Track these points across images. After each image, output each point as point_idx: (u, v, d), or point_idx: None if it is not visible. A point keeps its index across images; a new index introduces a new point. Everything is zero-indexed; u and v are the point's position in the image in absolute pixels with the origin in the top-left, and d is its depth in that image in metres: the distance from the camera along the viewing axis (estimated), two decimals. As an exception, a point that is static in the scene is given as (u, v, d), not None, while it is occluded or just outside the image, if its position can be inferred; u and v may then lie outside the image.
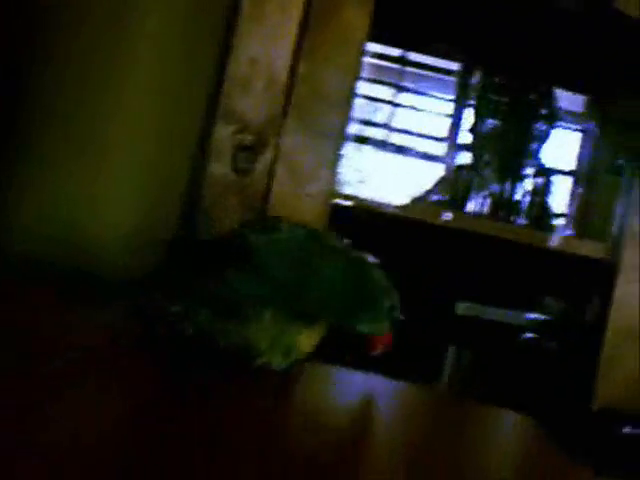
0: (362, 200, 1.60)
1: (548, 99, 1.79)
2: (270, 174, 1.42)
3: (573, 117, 1.95)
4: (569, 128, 1.96)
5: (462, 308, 1.75)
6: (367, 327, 0.80)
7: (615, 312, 1.52)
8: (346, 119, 1.46)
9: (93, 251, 1.03)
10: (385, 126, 1.98)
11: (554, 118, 1.81)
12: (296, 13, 1.41)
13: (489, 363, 1.77)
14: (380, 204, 1.68)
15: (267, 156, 1.42)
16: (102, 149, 1.13)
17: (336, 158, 1.46)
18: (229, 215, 1.41)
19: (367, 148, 1.97)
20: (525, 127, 1.73)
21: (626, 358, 1.52)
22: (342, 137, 1.47)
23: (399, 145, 1.98)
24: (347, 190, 1.83)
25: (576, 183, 1.90)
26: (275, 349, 0.70)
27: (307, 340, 0.71)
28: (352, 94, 1.45)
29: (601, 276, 1.64)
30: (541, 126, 1.77)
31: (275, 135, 1.42)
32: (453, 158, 1.86)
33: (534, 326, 1.76)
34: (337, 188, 1.52)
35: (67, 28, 1.05)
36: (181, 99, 1.39)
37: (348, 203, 1.55)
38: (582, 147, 1.93)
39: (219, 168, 1.41)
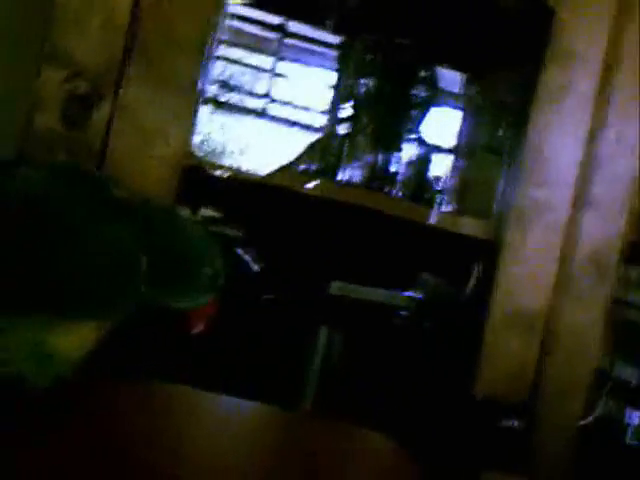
0: (223, 166, 1.40)
1: (428, 66, 1.65)
2: (107, 129, 1.19)
3: (453, 95, 1.84)
4: (449, 106, 1.85)
5: (335, 287, 1.60)
6: (183, 303, 0.60)
7: (498, 295, 1.39)
8: (199, 72, 1.25)
9: None
10: (265, 96, 1.83)
11: (434, 86, 1.67)
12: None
13: (363, 345, 1.63)
14: (244, 172, 1.49)
15: (104, 108, 1.19)
16: None
17: (189, 116, 1.25)
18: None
19: (246, 118, 1.84)
20: (403, 91, 1.57)
21: (510, 344, 1.40)
22: (195, 92, 1.26)
23: (278, 116, 1.82)
24: (225, 160, 1.71)
25: (456, 159, 1.77)
26: (30, 360, 0.48)
27: (70, 344, 0.50)
28: (208, 43, 1.24)
29: (483, 256, 1.52)
30: (420, 93, 1.62)
31: (114, 84, 1.19)
32: (332, 128, 1.69)
33: (410, 305, 1.63)
34: (191, 150, 1.31)
35: None
36: (9, 40, 1.16)
37: (205, 169, 1.34)
38: (462, 125, 1.81)
39: (45, 120, 1.17)
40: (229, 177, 1.45)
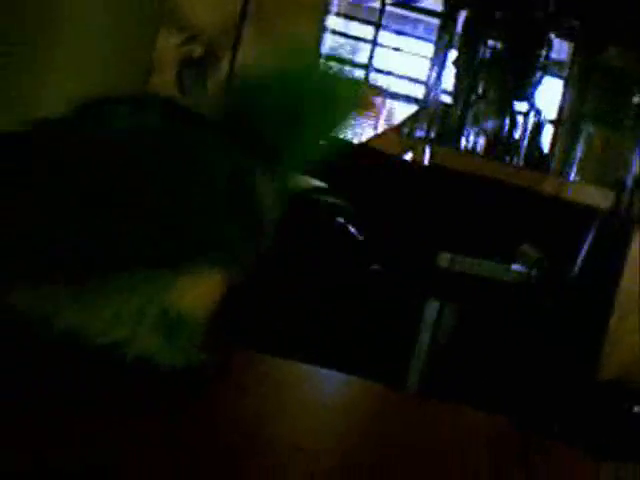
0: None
1: (553, 23, 1.56)
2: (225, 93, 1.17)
3: (558, 65, 1.75)
4: (557, 76, 1.75)
5: (444, 259, 1.55)
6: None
7: (627, 273, 1.30)
8: (319, 31, 1.20)
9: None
10: (366, 66, 1.79)
11: (549, 53, 1.59)
12: None
13: (474, 320, 1.58)
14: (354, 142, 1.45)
15: (221, 73, 1.17)
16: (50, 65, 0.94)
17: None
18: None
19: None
20: (531, 52, 1.48)
21: (635, 328, 1.32)
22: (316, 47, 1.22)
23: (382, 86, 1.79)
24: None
25: (558, 128, 1.69)
26: (155, 334, 0.40)
27: (198, 302, 0.40)
28: (326, 2, 1.20)
29: (610, 229, 1.43)
30: (544, 56, 1.53)
31: (230, 47, 1.16)
32: (435, 98, 1.64)
33: (520, 280, 1.56)
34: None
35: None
36: (129, 4, 1.16)
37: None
38: (568, 94, 1.71)
39: (161, 83, 1.16)
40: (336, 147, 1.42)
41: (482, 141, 1.44)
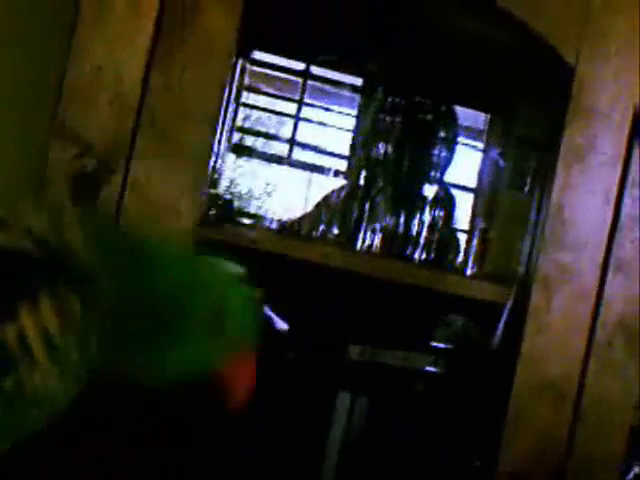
0: (235, 235, 1.37)
1: (449, 121, 1.62)
2: (118, 206, 1.17)
3: (474, 134, 1.82)
4: (470, 146, 1.82)
5: (355, 352, 1.56)
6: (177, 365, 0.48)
7: (523, 364, 1.33)
8: (212, 137, 1.23)
9: None
10: (291, 141, 1.83)
11: (454, 141, 1.64)
12: (148, 14, 1.17)
13: (384, 411, 1.59)
14: (260, 236, 1.46)
15: (114, 185, 1.17)
16: None
17: (200, 187, 1.23)
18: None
19: (271, 164, 1.86)
20: (421, 153, 1.54)
21: (537, 414, 1.35)
22: (207, 161, 1.23)
23: (302, 161, 1.83)
24: (254, 206, 1.73)
25: (476, 205, 1.74)
26: None
27: None
28: (218, 108, 1.22)
29: (507, 315, 1.47)
30: (441, 150, 1.59)
31: (124, 159, 1.17)
32: (356, 181, 1.67)
33: (433, 364, 1.59)
34: (202, 219, 1.29)
35: None
36: (19, 118, 1.15)
37: (218, 238, 1.32)
38: (483, 165, 1.78)
39: (55, 198, 1.16)
40: (248, 243, 1.43)
41: (378, 239, 1.48)
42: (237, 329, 0.51)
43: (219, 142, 1.57)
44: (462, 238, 1.71)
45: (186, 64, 1.19)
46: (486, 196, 1.72)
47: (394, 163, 1.51)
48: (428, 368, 1.60)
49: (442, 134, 1.53)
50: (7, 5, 1.05)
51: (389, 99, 1.56)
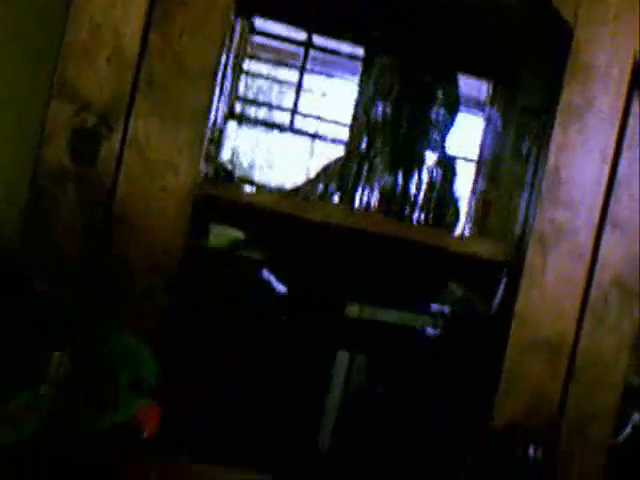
0: (235, 192, 1.39)
1: (448, 84, 1.62)
2: (118, 163, 1.19)
3: (476, 104, 1.81)
4: (472, 114, 1.82)
5: (353, 310, 1.58)
6: (112, 419, 0.62)
7: (518, 321, 1.35)
8: (210, 98, 1.24)
9: None
10: (292, 110, 1.83)
11: (455, 104, 1.65)
12: (146, -29, 1.18)
13: (384, 367, 1.61)
14: (260, 198, 1.48)
15: (113, 142, 1.19)
16: None
17: (199, 146, 1.25)
18: (67, 213, 1.18)
19: (273, 132, 1.85)
20: (420, 113, 1.54)
21: (531, 370, 1.37)
22: (206, 120, 1.25)
23: (304, 129, 1.83)
24: (256, 175, 1.72)
25: (478, 173, 1.74)
26: None
27: None
28: (216, 68, 1.23)
29: (506, 279, 1.49)
30: (439, 112, 1.59)
31: (123, 117, 1.18)
32: (351, 150, 1.68)
33: (433, 324, 1.61)
34: (201, 179, 1.30)
35: None
36: (17, 72, 1.16)
37: (218, 195, 1.34)
38: (485, 135, 1.78)
39: (54, 155, 1.17)
40: (247, 203, 1.45)
41: (376, 197, 1.49)
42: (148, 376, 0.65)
43: (220, 111, 1.58)
44: (462, 201, 1.72)
45: (185, 24, 1.20)
46: (488, 164, 1.72)
47: (392, 124, 1.52)
48: (427, 328, 1.62)
49: (441, 95, 1.53)
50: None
51: (389, 61, 1.56)
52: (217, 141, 1.67)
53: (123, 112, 1.19)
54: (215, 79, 1.25)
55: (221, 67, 1.32)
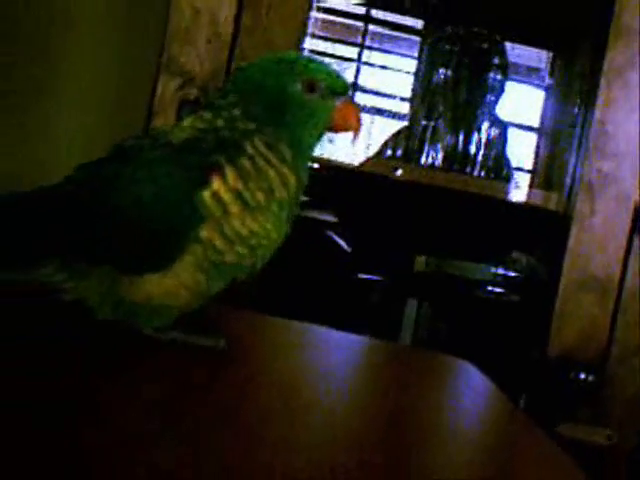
0: (320, 159, 1.57)
1: (499, 49, 1.77)
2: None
3: (536, 73, 1.94)
4: (532, 84, 1.95)
5: (421, 262, 1.73)
6: None
7: (569, 262, 1.51)
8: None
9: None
10: (352, 85, 1.96)
11: (506, 69, 1.80)
12: (238, -39, 1.37)
13: (449, 316, 1.76)
14: (336, 161, 1.65)
15: (213, 110, 1.38)
16: (58, 99, 1.07)
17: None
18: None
19: None
20: (477, 78, 1.70)
21: (582, 305, 1.52)
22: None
23: (364, 104, 1.96)
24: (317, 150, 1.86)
25: (540, 138, 1.89)
26: (104, 304, 0.61)
27: (137, 294, 0.60)
28: (299, 45, 1.42)
29: (557, 227, 1.63)
30: (495, 77, 1.75)
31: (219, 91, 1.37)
32: (415, 114, 1.83)
33: (495, 280, 1.75)
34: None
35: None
36: (129, 53, 1.34)
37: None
38: (545, 103, 1.91)
39: (162, 124, 1.37)
40: (319, 167, 1.61)
41: (440, 157, 1.65)
42: None
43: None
44: (518, 158, 1.86)
45: (271, 4, 1.39)
46: (545, 126, 1.85)
47: (453, 89, 1.68)
48: (489, 281, 1.74)
49: (496, 61, 1.69)
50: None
51: (448, 30, 1.71)
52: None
53: (220, 84, 1.39)
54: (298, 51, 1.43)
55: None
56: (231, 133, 0.62)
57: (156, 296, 0.60)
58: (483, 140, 1.73)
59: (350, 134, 0.64)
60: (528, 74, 1.90)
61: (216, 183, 0.59)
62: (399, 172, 1.50)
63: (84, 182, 0.62)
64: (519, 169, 1.86)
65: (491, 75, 1.72)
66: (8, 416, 0.42)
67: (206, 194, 0.59)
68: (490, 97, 1.75)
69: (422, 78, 1.72)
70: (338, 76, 0.63)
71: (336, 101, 0.63)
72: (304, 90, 0.61)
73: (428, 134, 1.72)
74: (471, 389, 0.76)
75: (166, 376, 0.57)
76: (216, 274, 0.61)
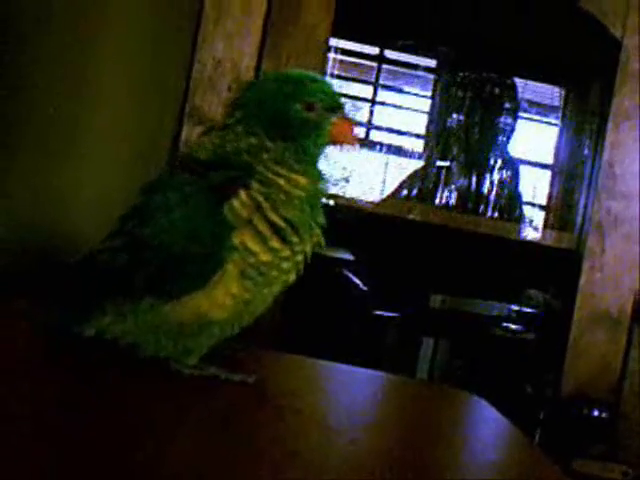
0: (337, 198, 1.63)
1: (511, 94, 1.83)
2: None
3: (550, 110, 1.99)
4: (546, 121, 1.99)
5: (437, 301, 1.76)
6: None
7: (581, 300, 1.54)
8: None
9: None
10: (367, 124, 2.00)
11: (517, 111, 1.85)
12: (258, 14, 1.44)
13: (465, 353, 1.79)
14: (353, 201, 1.70)
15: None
16: (79, 154, 1.12)
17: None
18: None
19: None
20: (489, 121, 1.76)
21: (594, 341, 1.55)
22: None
23: (379, 142, 2.00)
24: (333, 190, 1.86)
25: (553, 176, 1.93)
26: (148, 334, 0.64)
27: (180, 316, 0.62)
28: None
29: (570, 266, 1.67)
30: (506, 119, 1.80)
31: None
32: (430, 154, 1.88)
33: (511, 316, 1.78)
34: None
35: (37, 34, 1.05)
36: (151, 101, 1.39)
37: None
38: (559, 140, 1.96)
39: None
40: (335, 206, 1.66)
41: (454, 198, 1.70)
42: None
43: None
44: (529, 198, 1.90)
45: (290, 53, 1.45)
46: (557, 164, 1.90)
47: (466, 132, 1.73)
48: (505, 322, 1.77)
49: (507, 105, 1.74)
50: (147, 9, 1.29)
51: (460, 75, 1.76)
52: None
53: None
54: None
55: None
56: (243, 147, 0.66)
57: (204, 311, 0.62)
58: (495, 181, 1.78)
59: (347, 147, 0.69)
60: (542, 111, 1.94)
61: (242, 194, 0.63)
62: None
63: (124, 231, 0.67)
64: (532, 204, 1.89)
65: (502, 119, 1.77)
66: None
67: (234, 203, 0.63)
68: (502, 138, 1.80)
69: (436, 120, 1.78)
70: (334, 94, 0.68)
71: (332, 117, 0.67)
72: (303, 109, 0.66)
73: (442, 175, 1.77)
74: (486, 425, 0.79)
75: (195, 413, 0.60)
76: (260, 279, 0.63)
